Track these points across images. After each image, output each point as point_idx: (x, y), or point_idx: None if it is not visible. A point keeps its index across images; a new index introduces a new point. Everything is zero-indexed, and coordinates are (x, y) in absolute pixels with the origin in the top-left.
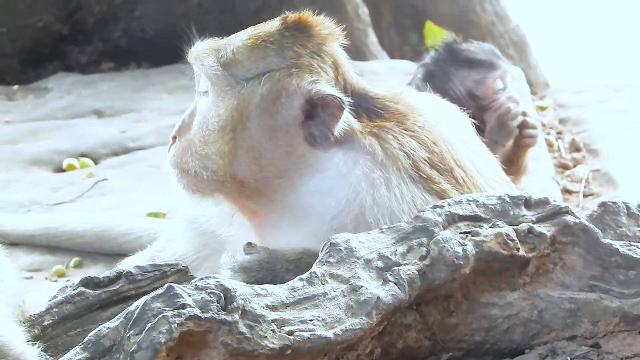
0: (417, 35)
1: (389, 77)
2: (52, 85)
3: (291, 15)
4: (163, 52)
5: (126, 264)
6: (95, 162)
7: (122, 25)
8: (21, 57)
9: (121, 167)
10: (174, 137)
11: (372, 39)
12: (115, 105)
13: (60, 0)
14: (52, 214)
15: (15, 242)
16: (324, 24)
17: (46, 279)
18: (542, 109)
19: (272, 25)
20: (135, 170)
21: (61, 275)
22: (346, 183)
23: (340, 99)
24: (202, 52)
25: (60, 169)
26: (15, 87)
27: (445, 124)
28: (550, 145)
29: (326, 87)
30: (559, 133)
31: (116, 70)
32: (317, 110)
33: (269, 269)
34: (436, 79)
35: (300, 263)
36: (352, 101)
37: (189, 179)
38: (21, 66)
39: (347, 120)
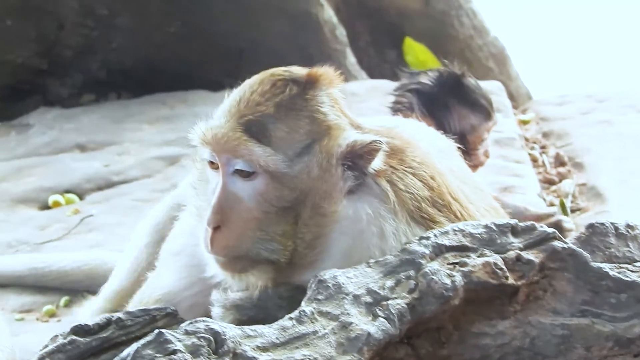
0: (395, 53)
1: (369, 99)
2: (33, 121)
3: (300, 74)
4: (142, 82)
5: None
6: (81, 197)
7: (100, 57)
8: (1, 94)
9: (106, 201)
10: (216, 227)
11: (351, 59)
12: (98, 139)
13: (38, 35)
14: (39, 253)
15: (3, 284)
16: (326, 72)
17: (37, 319)
18: (524, 122)
19: (290, 89)
20: (121, 205)
21: (52, 315)
22: (359, 236)
23: (379, 141)
24: (234, 137)
25: (46, 206)
26: None
27: (436, 154)
28: (534, 160)
29: (359, 135)
30: (542, 147)
31: (97, 102)
32: (354, 160)
33: (261, 306)
34: (434, 106)
35: (293, 301)
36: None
37: (242, 264)
38: (1, 103)
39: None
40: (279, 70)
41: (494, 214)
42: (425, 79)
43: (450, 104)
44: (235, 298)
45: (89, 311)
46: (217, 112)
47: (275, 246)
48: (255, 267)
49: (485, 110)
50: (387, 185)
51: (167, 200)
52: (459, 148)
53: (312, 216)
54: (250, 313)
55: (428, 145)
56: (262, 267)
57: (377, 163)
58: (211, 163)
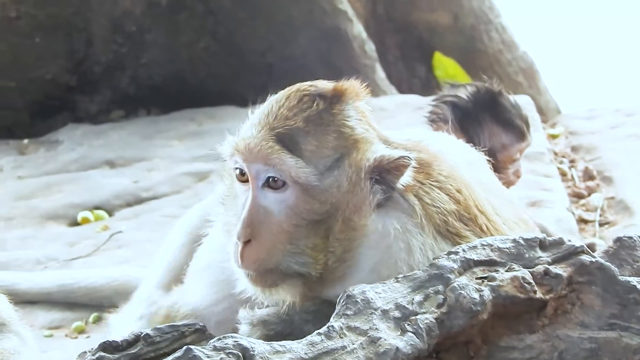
0: (424, 68)
1: (397, 114)
2: (63, 138)
3: (326, 88)
4: (171, 97)
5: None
6: (110, 213)
7: (130, 72)
8: (31, 111)
9: (135, 218)
10: (246, 241)
11: (380, 74)
12: (127, 155)
13: (67, 52)
14: (68, 270)
15: (32, 300)
16: (351, 86)
17: (66, 336)
18: (553, 137)
19: (317, 103)
20: (150, 221)
21: (81, 331)
22: (387, 251)
23: (408, 157)
24: (267, 146)
25: (75, 223)
26: (26, 141)
27: (463, 167)
28: (563, 174)
29: (387, 150)
30: (571, 161)
31: (126, 118)
32: (382, 174)
33: (287, 320)
34: (467, 120)
35: (318, 314)
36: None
37: (273, 278)
38: (31, 119)
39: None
40: (305, 85)
41: (522, 226)
42: (462, 93)
43: (483, 120)
44: (262, 314)
45: (129, 317)
46: (245, 126)
47: (306, 259)
48: (286, 282)
49: (518, 131)
50: (414, 200)
51: (200, 206)
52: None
53: (343, 230)
54: (277, 328)
55: (456, 157)
56: (293, 281)
57: (406, 179)
58: (241, 175)
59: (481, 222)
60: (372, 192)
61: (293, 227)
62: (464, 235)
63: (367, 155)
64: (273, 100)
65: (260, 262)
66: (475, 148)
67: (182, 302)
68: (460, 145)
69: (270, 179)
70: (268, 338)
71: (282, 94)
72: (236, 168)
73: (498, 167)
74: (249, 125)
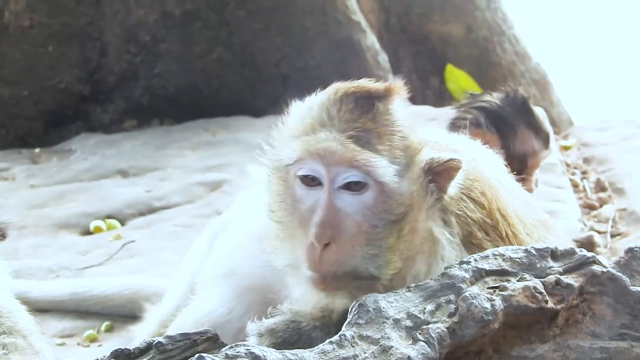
0: (438, 79)
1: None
2: (75, 147)
3: (379, 89)
4: (185, 108)
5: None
6: (122, 223)
7: (143, 82)
8: (44, 120)
9: (148, 227)
10: (326, 244)
11: None
12: (140, 164)
13: (81, 61)
14: (80, 278)
15: (45, 309)
16: (398, 85)
17: (78, 344)
18: (566, 148)
19: (376, 105)
20: (162, 230)
21: (93, 340)
22: (435, 258)
23: (458, 160)
24: (350, 148)
25: (87, 232)
26: (39, 150)
27: (485, 167)
28: (575, 185)
29: (435, 152)
30: (583, 173)
31: (139, 128)
32: (434, 177)
33: (294, 327)
34: (501, 124)
35: (326, 320)
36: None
37: (343, 281)
38: (44, 128)
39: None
40: (351, 85)
41: (540, 228)
42: (492, 98)
43: (517, 124)
44: (269, 323)
45: (152, 323)
46: (295, 132)
47: (382, 261)
48: (353, 285)
49: (546, 137)
50: (448, 207)
51: (222, 217)
52: (514, 173)
53: (409, 232)
54: (285, 335)
55: (479, 158)
56: (360, 284)
57: (456, 183)
58: (311, 180)
59: (502, 229)
60: (429, 193)
61: (371, 229)
62: (484, 247)
63: (420, 157)
64: (321, 104)
65: (339, 265)
66: (508, 154)
67: (198, 311)
68: (481, 148)
69: (352, 181)
70: (276, 346)
71: (328, 96)
72: (302, 173)
73: (525, 173)
74: (305, 130)
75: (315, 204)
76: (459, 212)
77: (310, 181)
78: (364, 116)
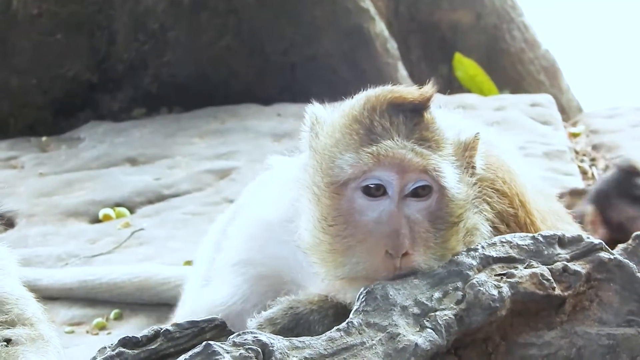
0: (447, 67)
1: None
2: (84, 135)
3: (417, 96)
4: (193, 96)
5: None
6: (131, 211)
7: (152, 71)
8: (53, 108)
9: (157, 215)
10: (405, 253)
11: (402, 72)
12: (148, 152)
13: (89, 49)
14: (89, 266)
15: (54, 297)
16: (431, 91)
17: (87, 332)
18: (575, 135)
19: (423, 113)
20: (171, 218)
21: (102, 328)
22: None
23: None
24: (423, 154)
25: (96, 220)
26: (48, 138)
27: (504, 155)
28: (584, 172)
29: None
30: (592, 160)
31: (148, 116)
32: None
33: (292, 313)
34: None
35: (324, 304)
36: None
37: None
38: (53, 117)
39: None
40: (391, 93)
41: (552, 217)
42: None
43: (616, 203)
44: (268, 314)
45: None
46: (342, 146)
47: (446, 260)
48: None
49: None
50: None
51: (238, 203)
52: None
53: (464, 232)
54: (283, 322)
55: (497, 144)
56: None
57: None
58: (375, 190)
59: (520, 217)
60: (472, 189)
61: (437, 232)
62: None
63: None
64: (370, 114)
65: (412, 270)
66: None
67: (211, 298)
68: (496, 135)
69: (419, 188)
70: (275, 334)
71: (373, 104)
72: (369, 183)
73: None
74: (361, 141)
75: (382, 214)
76: (481, 198)
77: (375, 191)
78: (417, 126)
